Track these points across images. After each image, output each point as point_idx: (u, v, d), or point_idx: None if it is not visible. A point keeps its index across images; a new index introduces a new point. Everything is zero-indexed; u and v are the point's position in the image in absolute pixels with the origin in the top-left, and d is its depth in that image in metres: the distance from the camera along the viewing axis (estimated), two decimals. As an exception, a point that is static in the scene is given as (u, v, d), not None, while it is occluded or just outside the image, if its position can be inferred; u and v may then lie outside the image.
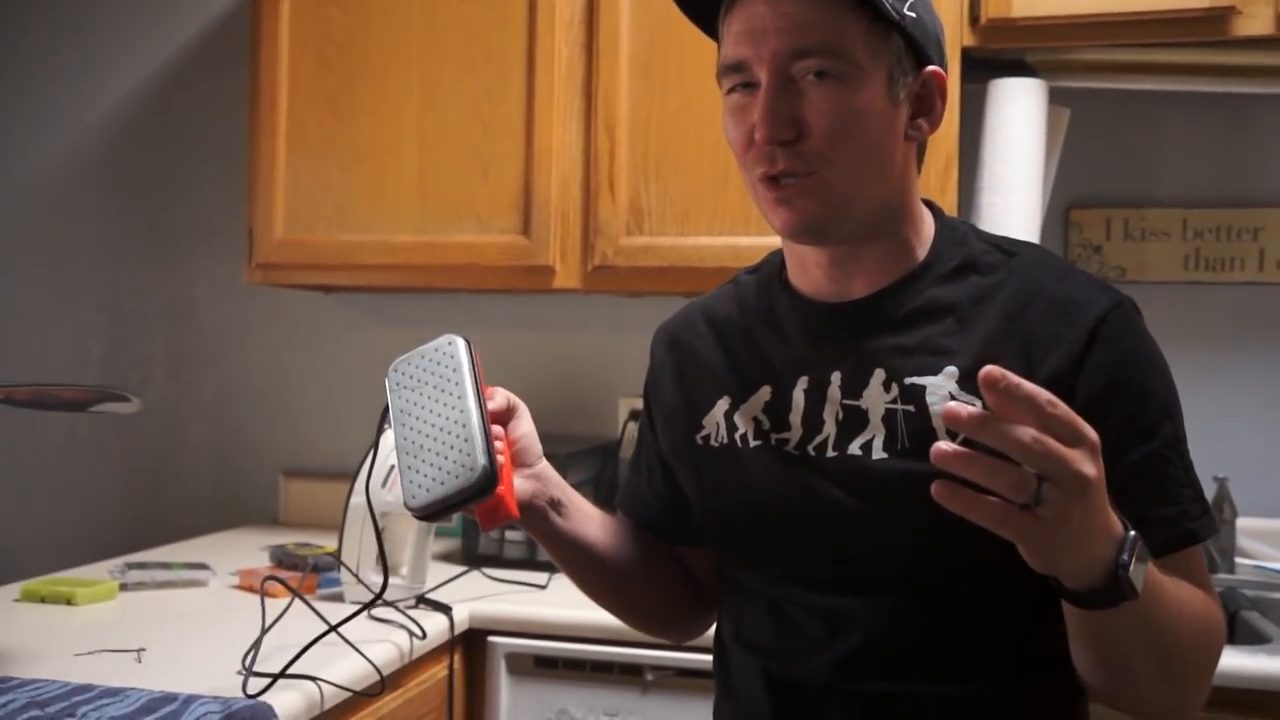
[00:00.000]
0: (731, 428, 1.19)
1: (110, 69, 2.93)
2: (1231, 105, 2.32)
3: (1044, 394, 0.82)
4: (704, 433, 1.22)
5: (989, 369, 0.81)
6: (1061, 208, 2.39)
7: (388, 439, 1.95)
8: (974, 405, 0.85)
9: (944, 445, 0.81)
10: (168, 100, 2.90)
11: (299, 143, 2.42)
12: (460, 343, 1.07)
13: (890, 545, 1.08)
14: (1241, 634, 1.91)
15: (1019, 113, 2.12)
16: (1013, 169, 2.11)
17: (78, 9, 2.95)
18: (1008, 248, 1.15)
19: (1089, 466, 0.83)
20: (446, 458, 1.00)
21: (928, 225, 1.16)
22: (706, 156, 2.19)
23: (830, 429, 1.12)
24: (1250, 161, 2.35)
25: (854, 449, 1.10)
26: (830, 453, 1.11)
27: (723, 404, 1.20)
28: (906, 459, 1.07)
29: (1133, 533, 0.90)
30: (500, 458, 1.03)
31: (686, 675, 1.82)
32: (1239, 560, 2.18)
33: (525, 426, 1.12)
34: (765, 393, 1.17)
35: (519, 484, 1.11)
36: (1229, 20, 1.98)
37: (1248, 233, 2.33)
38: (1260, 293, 2.33)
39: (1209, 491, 2.15)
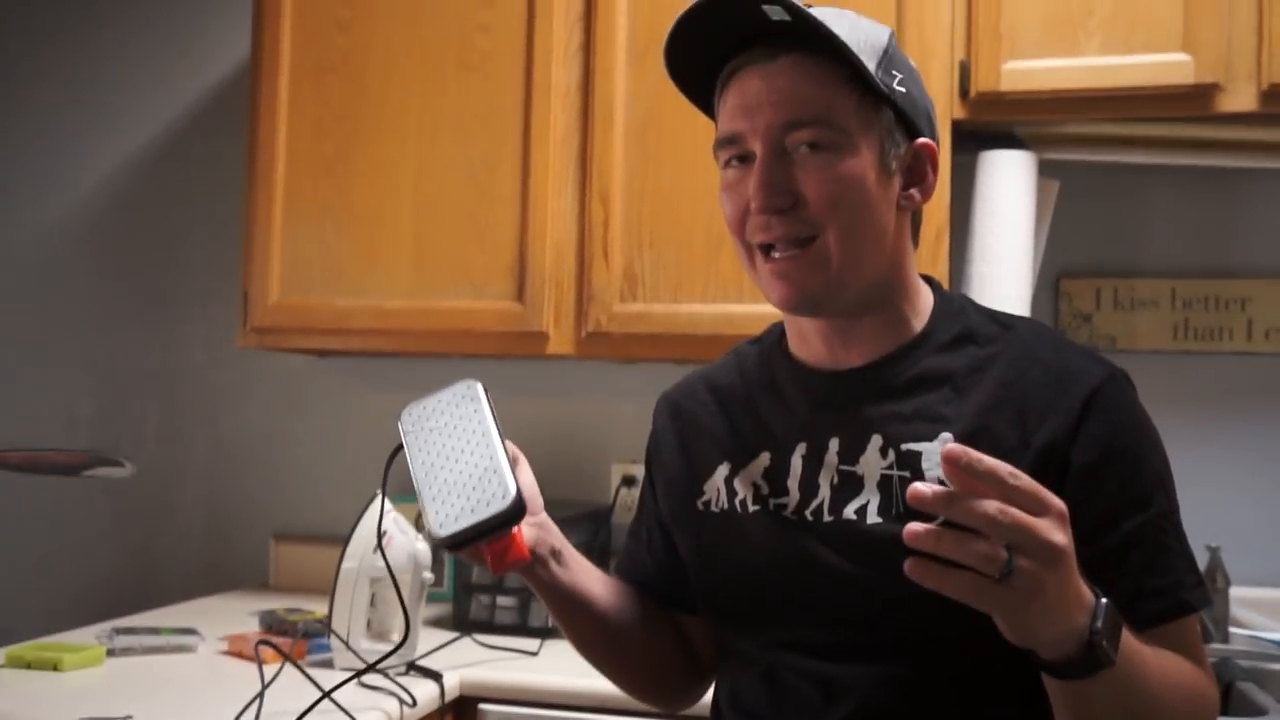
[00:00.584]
0: (731, 493, 1.19)
1: (107, 133, 2.95)
2: (1217, 178, 2.34)
3: (1005, 467, 0.84)
4: (704, 498, 1.22)
5: (950, 447, 0.84)
6: (1052, 277, 2.40)
7: (376, 507, 1.95)
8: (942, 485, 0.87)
9: (914, 525, 0.83)
10: (163, 164, 2.92)
11: (295, 208, 2.43)
12: (479, 386, 1.09)
13: (884, 610, 1.08)
14: (1237, 706, 1.89)
15: (1009, 184, 2.13)
16: (1003, 240, 2.12)
17: (75, 75, 2.98)
18: (1004, 320, 1.17)
19: (1058, 535, 0.85)
20: (475, 488, 1.02)
21: (925, 297, 1.18)
22: (699, 225, 2.20)
23: (825, 493, 1.13)
24: (1236, 233, 2.37)
25: (849, 513, 1.10)
26: (826, 517, 1.12)
27: (723, 470, 1.21)
28: (901, 523, 1.06)
29: (1104, 600, 0.91)
30: None
31: (679, 745, 1.80)
32: (1233, 630, 2.16)
33: (528, 477, 1.12)
34: (765, 458, 1.18)
35: (524, 531, 1.11)
36: (1213, 97, 2.00)
37: (1235, 303, 2.34)
38: (1249, 362, 2.34)
39: (1201, 561, 2.15)
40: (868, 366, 1.15)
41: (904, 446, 1.10)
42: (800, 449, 1.16)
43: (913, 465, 1.09)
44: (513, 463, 1.08)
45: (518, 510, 1.00)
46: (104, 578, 2.86)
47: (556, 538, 1.19)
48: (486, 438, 1.05)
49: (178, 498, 2.87)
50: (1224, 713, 1.91)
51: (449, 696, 1.88)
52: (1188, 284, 2.37)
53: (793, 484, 1.15)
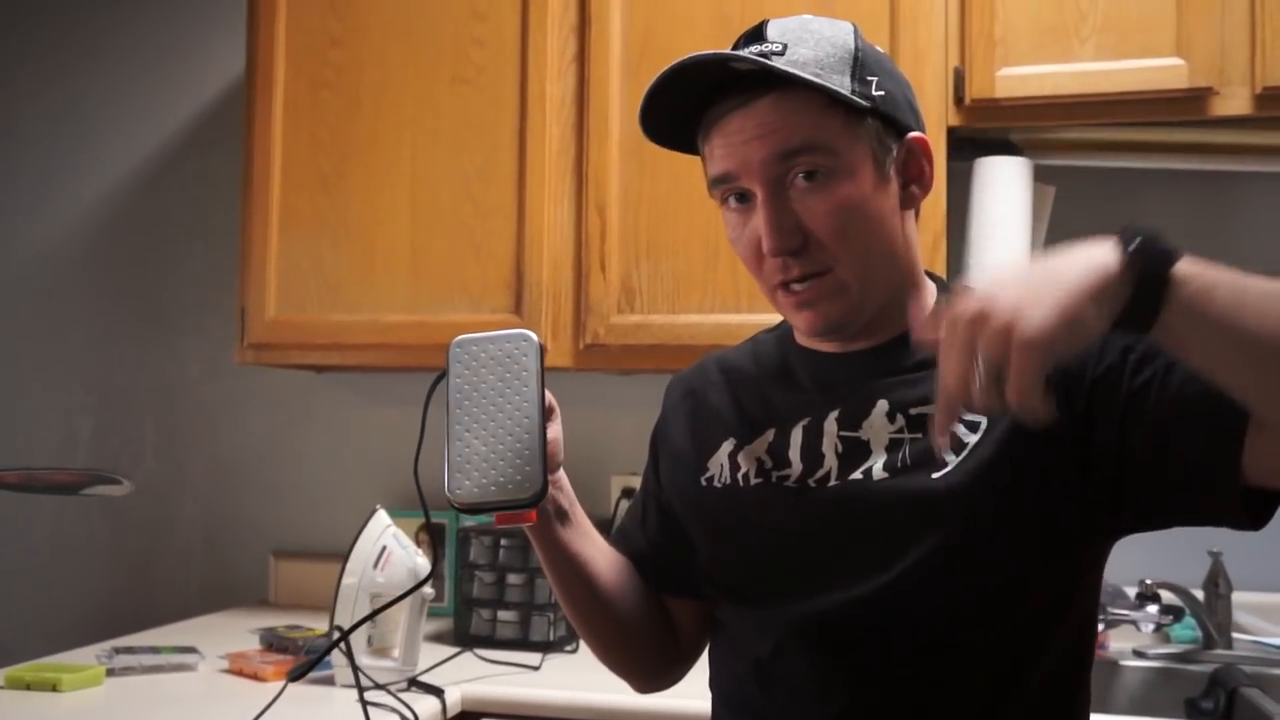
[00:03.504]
0: (734, 468, 1.20)
1: (102, 150, 2.96)
2: (1211, 182, 2.34)
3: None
4: (708, 474, 1.23)
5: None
6: (1048, 283, 2.40)
7: (376, 523, 1.94)
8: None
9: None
10: (159, 181, 2.93)
11: (291, 223, 2.43)
12: (535, 342, 1.07)
13: (881, 573, 1.08)
14: (1241, 712, 1.88)
15: (1004, 190, 2.13)
16: (999, 245, 2.11)
17: (70, 93, 2.99)
18: None
19: (965, 310, 0.84)
20: (504, 461, 1.02)
21: (930, 293, 1.20)
22: (697, 235, 2.20)
23: (831, 461, 1.13)
24: (1231, 236, 2.37)
25: (855, 475, 1.11)
26: (832, 482, 1.12)
27: (727, 445, 1.22)
28: (906, 476, 1.08)
29: (1134, 226, 0.86)
30: None
31: (679, 758, 1.80)
32: (1236, 636, 2.17)
33: (556, 430, 1.11)
34: (769, 435, 1.19)
35: None
36: (1207, 100, 2.01)
37: (1231, 307, 2.33)
38: (1246, 366, 2.33)
39: (1203, 567, 2.15)
40: (877, 346, 1.16)
41: (913, 410, 1.10)
42: (803, 423, 1.17)
43: (923, 428, 1.09)
44: (548, 414, 1.08)
45: (535, 503, 1.02)
46: (103, 597, 2.87)
47: (566, 495, 1.19)
48: (529, 407, 1.04)
49: (176, 515, 2.87)
50: (1229, 718, 1.90)
51: (451, 712, 1.87)
52: (1185, 288, 2.35)
53: (794, 455, 1.16)
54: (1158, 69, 2.01)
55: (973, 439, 1.07)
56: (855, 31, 1.13)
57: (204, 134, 2.88)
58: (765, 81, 1.07)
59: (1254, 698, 1.89)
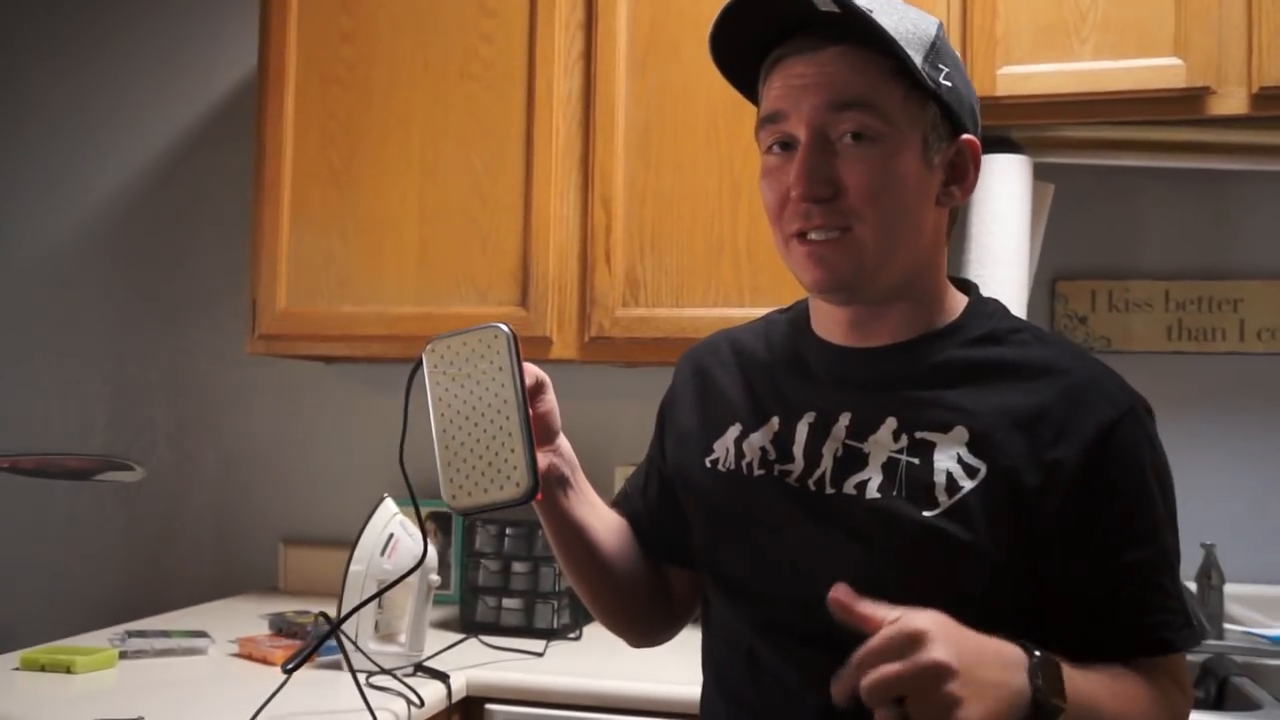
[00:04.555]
0: (739, 455, 1.19)
1: (116, 144, 2.97)
2: (1209, 180, 2.35)
3: (874, 620, 0.90)
4: (714, 456, 1.22)
5: (836, 593, 0.92)
6: (1048, 280, 2.42)
7: (383, 511, 1.96)
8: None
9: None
10: (172, 174, 2.94)
11: (302, 216, 2.44)
12: (505, 333, 1.05)
13: (868, 586, 1.05)
14: (1233, 700, 1.90)
15: (1005, 188, 2.13)
16: (1000, 242, 2.11)
17: (85, 88, 3.00)
18: (1036, 332, 1.16)
19: (929, 655, 0.87)
20: (491, 464, 1.02)
21: (955, 295, 1.18)
22: (700, 230, 2.21)
23: (827, 464, 1.12)
24: (1228, 234, 2.38)
25: (849, 488, 1.10)
26: (829, 489, 1.11)
27: (734, 430, 1.21)
28: (899, 503, 1.07)
29: (1038, 653, 0.95)
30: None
31: (676, 743, 1.81)
32: (1227, 626, 2.17)
33: (549, 402, 1.12)
34: (774, 423, 1.18)
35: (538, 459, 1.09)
36: (1205, 100, 2.01)
37: (1228, 304, 2.36)
38: (1242, 362, 2.35)
39: (1197, 558, 2.16)
40: (893, 346, 1.14)
41: (918, 434, 1.09)
42: (808, 417, 1.16)
43: (924, 454, 1.08)
44: (535, 391, 1.08)
45: (528, 498, 1.01)
46: (116, 582, 2.89)
47: (568, 462, 1.19)
48: (508, 406, 1.02)
49: (187, 503, 2.89)
50: (1219, 707, 1.92)
51: (456, 697, 1.89)
52: (1181, 285, 2.38)
53: (798, 451, 1.15)
54: (1156, 68, 2.02)
55: (968, 484, 1.06)
56: (939, 25, 1.12)
57: (216, 129, 2.90)
58: (838, 33, 1.06)
59: (1244, 686, 1.90)
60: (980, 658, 0.90)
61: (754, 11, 1.09)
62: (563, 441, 1.17)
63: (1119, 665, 1.05)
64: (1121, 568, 1.05)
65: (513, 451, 1.01)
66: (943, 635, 0.88)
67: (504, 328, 1.05)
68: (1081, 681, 0.97)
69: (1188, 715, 1.09)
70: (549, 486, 1.16)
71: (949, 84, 1.09)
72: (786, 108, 1.08)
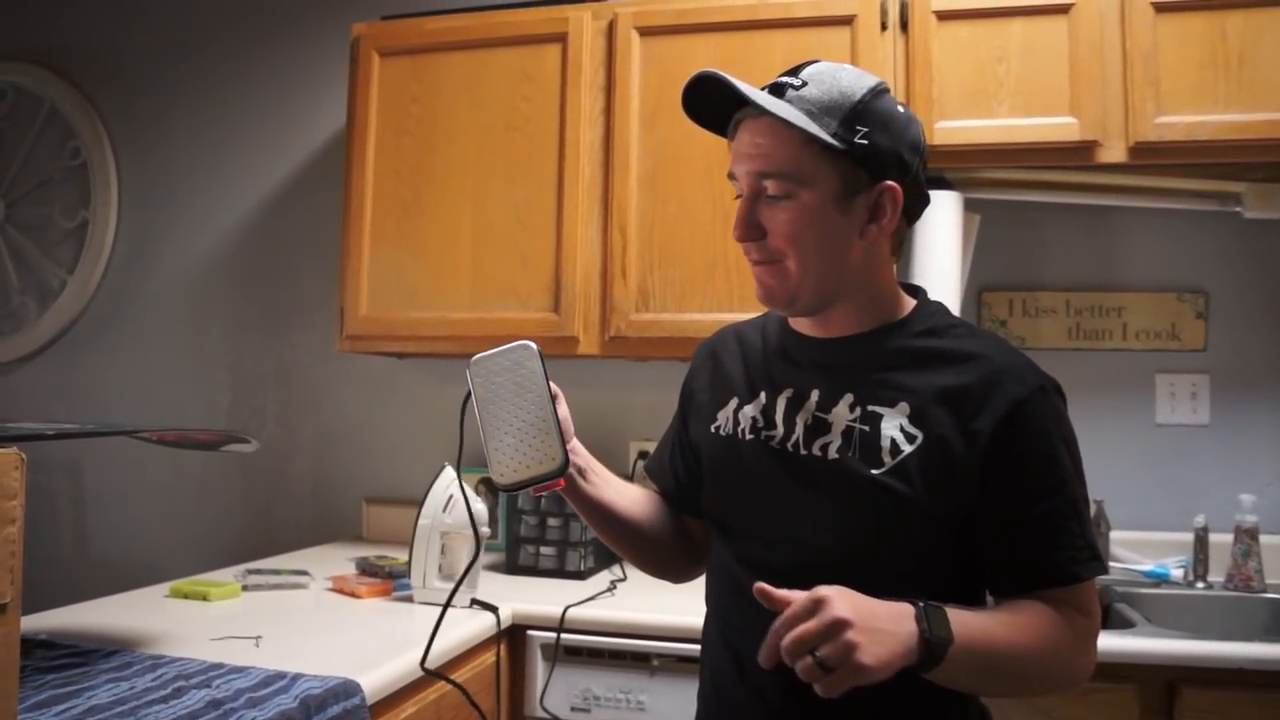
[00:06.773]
0: (736, 423, 1.20)
1: (239, 184, 2.96)
2: (1098, 214, 2.34)
3: (784, 602, 0.93)
4: (716, 424, 1.23)
5: (757, 586, 0.95)
6: (975, 291, 2.41)
7: (445, 476, 1.98)
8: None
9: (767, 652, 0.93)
10: (280, 208, 2.92)
11: (379, 240, 2.43)
12: (534, 349, 1.08)
13: (828, 544, 1.09)
14: (1114, 621, 1.91)
15: (941, 217, 2.14)
16: (937, 260, 2.13)
17: (215, 139, 2.98)
18: (970, 328, 1.16)
19: (831, 612, 0.90)
20: (531, 446, 1.04)
21: (905, 298, 1.18)
22: (698, 251, 2.21)
23: (800, 430, 1.13)
24: (1114, 256, 2.37)
25: (816, 449, 1.11)
26: (801, 451, 1.12)
27: (733, 403, 1.22)
28: (852, 462, 1.09)
29: (921, 603, 0.96)
30: None
31: (684, 661, 1.81)
32: (1112, 564, 2.19)
33: (564, 411, 1.13)
34: (762, 398, 1.18)
35: None
36: (1094, 150, 2.03)
37: (1114, 311, 2.36)
38: (1124, 357, 2.36)
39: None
40: (855, 336, 1.14)
41: (870, 407, 1.09)
42: (787, 392, 1.16)
43: (873, 423, 1.09)
44: (555, 400, 1.10)
45: (562, 471, 1.05)
46: (237, 530, 2.88)
47: (583, 457, 1.20)
48: (541, 400, 1.06)
49: (291, 469, 2.88)
50: (1104, 627, 1.94)
51: (504, 625, 1.89)
52: (1079, 296, 2.38)
53: (779, 420, 1.15)
54: (1056, 125, 2.03)
55: (908, 449, 1.06)
56: (875, 88, 1.09)
57: (314, 172, 2.89)
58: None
59: (1124, 610, 1.93)
60: (873, 612, 0.93)
61: (710, 92, 1.10)
62: (576, 442, 1.19)
63: (1036, 598, 1.05)
64: (1033, 516, 1.04)
65: (546, 435, 1.05)
66: (841, 598, 0.91)
67: (533, 345, 1.09)
68: (970, 619, 0.98)
69: (1093, 634, 1.07)
70: (571, 476, 1.17)
71: (864, 142, 1.06)
72: (736, 170, 1.12)
